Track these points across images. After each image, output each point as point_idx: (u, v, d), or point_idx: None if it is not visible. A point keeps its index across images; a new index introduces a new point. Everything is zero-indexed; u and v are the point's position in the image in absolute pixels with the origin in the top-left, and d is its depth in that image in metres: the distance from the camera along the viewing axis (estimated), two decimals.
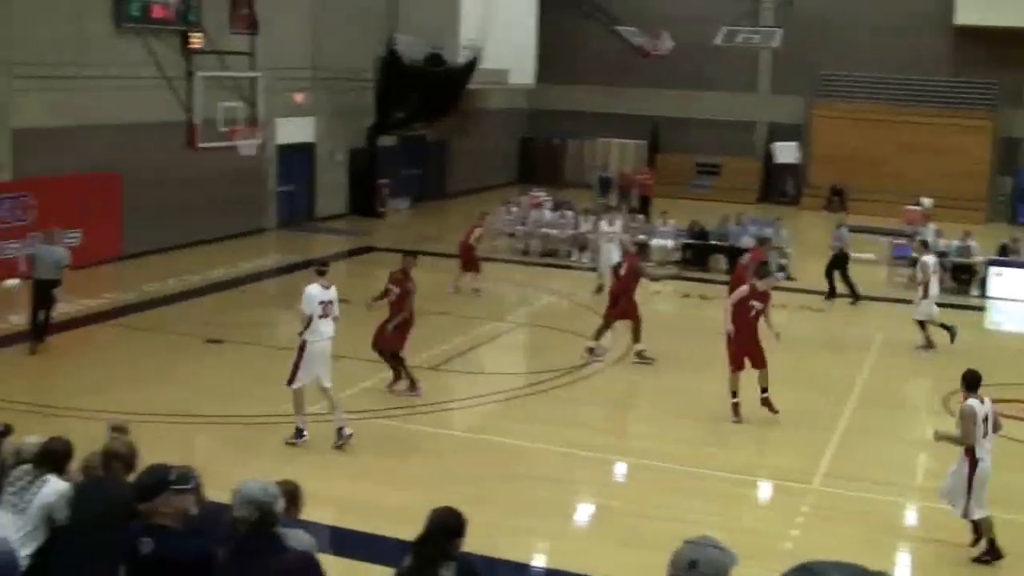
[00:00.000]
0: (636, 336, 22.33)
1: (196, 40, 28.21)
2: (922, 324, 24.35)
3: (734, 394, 18.80)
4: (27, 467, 9.34)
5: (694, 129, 50.96)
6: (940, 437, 14.11)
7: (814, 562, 5.25)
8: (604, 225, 29.95)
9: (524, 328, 25.67)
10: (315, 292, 16.70)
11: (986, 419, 13.45)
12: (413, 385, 19.46)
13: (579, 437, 17.77)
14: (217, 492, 8.93)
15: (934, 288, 24.38)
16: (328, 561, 7.76)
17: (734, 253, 31.29)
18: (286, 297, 26.94)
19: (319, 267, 17.20)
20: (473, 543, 7.74)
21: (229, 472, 10.56)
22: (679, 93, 50.57)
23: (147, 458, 8.98)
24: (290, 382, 16.75)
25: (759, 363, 18.78)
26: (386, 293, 19.39)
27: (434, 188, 46.86)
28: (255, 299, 24.86)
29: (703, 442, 17.89)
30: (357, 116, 39.90)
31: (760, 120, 51.63)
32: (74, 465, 9.61)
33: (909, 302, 25.50)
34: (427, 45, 39.76)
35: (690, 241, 33.61)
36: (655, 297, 28.26)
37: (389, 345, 19.35)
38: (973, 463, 13.41)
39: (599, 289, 27.93)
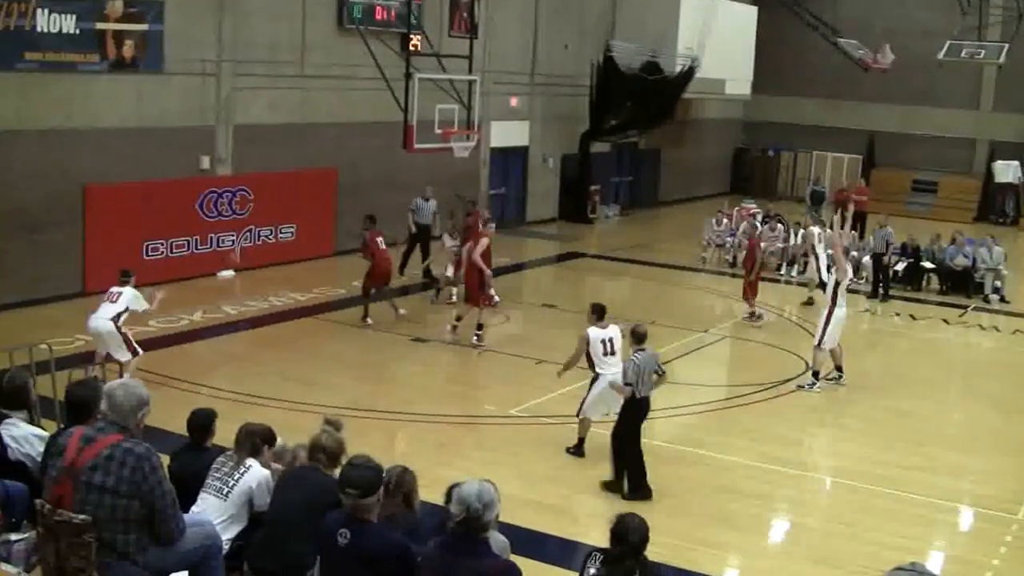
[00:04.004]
0: None
1: (416, 42, 28.00)
2: None
3: (480, 326, 22.26)
4: (230, 453, 9.45)
5: (912, 145, 48.78)
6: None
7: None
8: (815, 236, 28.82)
9: (728, 340, 24.89)
10: None
11: (606, 342, 15.90)
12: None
13: (777, 452, 17.09)
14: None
15: None
16: (520, 563, 7.51)
17: (947, 273, 30.52)
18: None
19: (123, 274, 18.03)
20: (666, 554, 7.91)
21: (427, 471, 10.20)
22: (898, 108, 48.60)
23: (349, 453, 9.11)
24: None
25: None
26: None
27: (645, 196, 46.08)
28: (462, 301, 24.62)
29: (905, 464, 16.95)
30: (571, 122, 39.22)
31: (981, 138, 48.81)
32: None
33: None
34: (644, 53, 38.87)
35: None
36: (865, 316, 27.80)
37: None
38: (595, 378, 16.00)
39: (808, 301, 27.41)
